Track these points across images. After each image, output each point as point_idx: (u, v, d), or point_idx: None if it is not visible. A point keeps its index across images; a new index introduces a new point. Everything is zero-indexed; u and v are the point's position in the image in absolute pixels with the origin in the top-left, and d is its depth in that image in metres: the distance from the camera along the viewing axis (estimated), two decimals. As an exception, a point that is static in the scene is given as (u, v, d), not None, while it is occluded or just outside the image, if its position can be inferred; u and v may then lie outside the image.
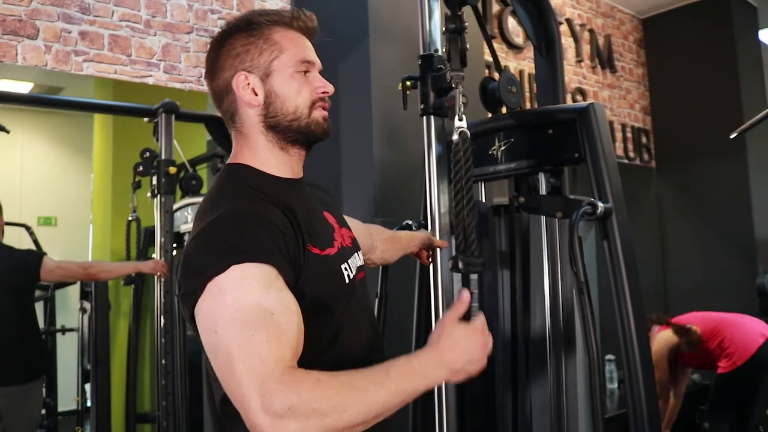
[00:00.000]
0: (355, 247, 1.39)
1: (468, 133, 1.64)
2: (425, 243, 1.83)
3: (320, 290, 1.16)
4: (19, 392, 3.05)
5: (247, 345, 0.95)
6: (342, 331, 1.22)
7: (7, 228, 3.27)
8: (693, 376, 4.99)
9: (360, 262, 1.38)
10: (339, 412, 0.92)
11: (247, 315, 0.97)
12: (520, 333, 2.12)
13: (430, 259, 1.79)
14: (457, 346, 1.10)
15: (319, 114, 1.25)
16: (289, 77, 1.22)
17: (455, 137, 1.63)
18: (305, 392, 0.91)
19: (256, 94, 1.22)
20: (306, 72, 1.25)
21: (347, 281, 1.26)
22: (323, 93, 1.25)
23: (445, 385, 1.68)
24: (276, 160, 1.26)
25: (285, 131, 1.23)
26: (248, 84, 1.22)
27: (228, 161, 1.29)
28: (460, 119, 1.66)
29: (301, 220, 1.18)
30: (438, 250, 1.75)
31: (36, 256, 3.16)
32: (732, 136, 2.92)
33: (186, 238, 3.54)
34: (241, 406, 0.93)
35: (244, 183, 1.22)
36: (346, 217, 1.49)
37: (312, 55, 1.27)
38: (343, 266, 1.26)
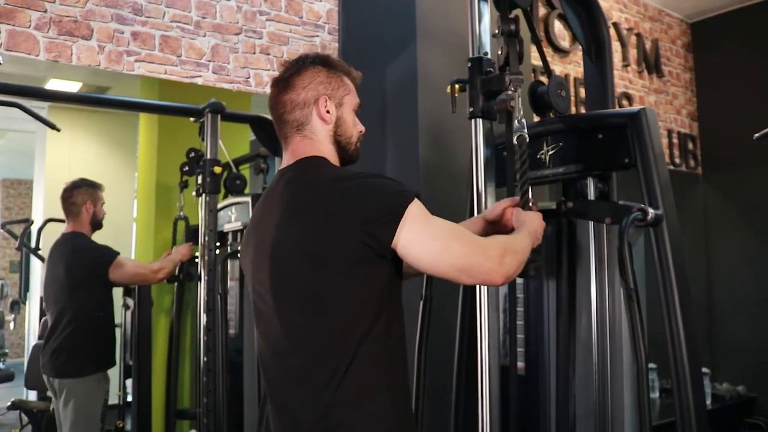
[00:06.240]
0: None
1: (527, 137, 1.64)
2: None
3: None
4: (92, 382, 3.19)
5: (464, 236, 1.45)
6: (402, 317, 1.53)
7: (55, 224, 3.33)
8: (738, 387, 4.89)
9: None
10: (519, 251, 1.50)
11: (444, 223, 1.45)
12: (566, 339, 2.10)
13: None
14: (531, 220, 1.64)
15: (357, 148, 1.64)
16: (351, 111, 1.62)
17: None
18: (499, 246, 1.45)
19: (330, 114, 1.57)
20: (356, 112, 1.64)
21: None
22: (360, 132, 1.64)
23: (489, 390, 1.67)
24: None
25: (343, 149, 1.60)
26: (328, 106, 1.57)
27: (301, 156, 1.55)
28: (519, 123, 1.68)
29: None
30: None
31: (109, 254, 3.27)
32: (755, 137, 2.89)
33: (229, 237, 3.60)
34: (472, 267, 1.41)
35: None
36: None
37: None
38: None
